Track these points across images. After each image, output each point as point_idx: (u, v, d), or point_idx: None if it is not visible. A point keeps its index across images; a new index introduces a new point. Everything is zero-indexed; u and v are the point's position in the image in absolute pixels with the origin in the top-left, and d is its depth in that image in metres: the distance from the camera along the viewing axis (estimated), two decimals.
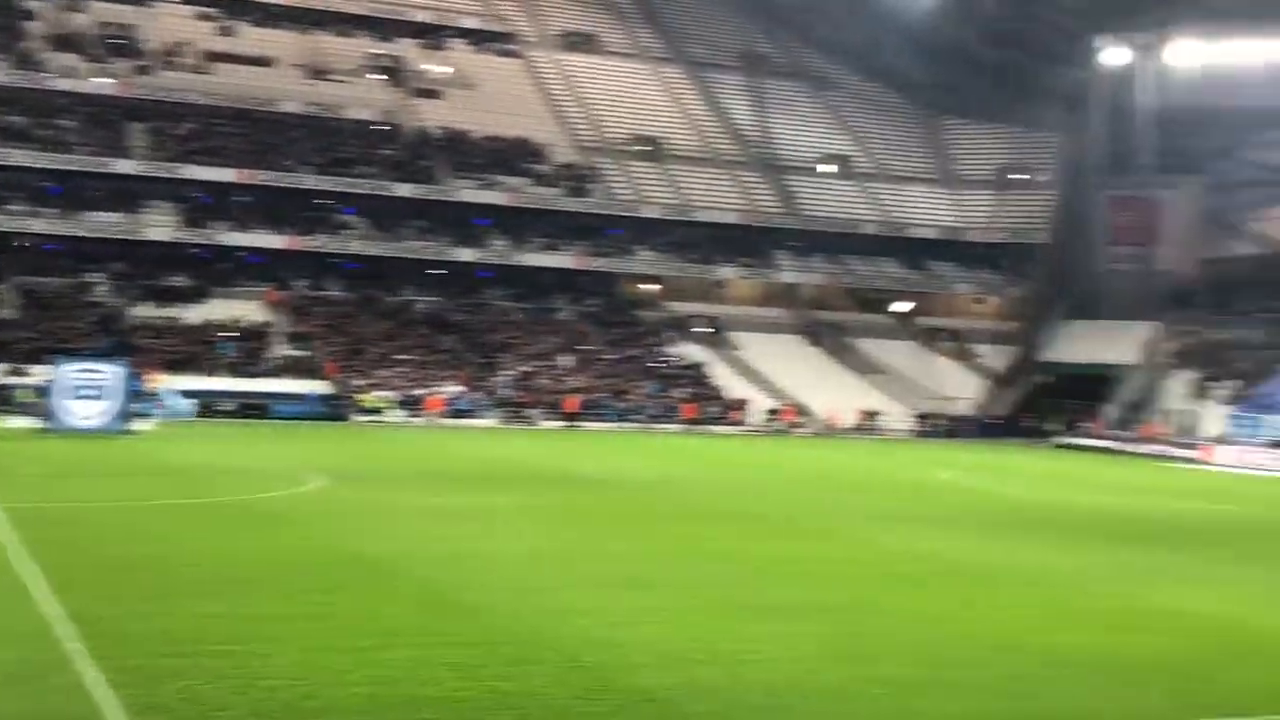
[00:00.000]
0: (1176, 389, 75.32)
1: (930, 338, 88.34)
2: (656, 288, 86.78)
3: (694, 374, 78.89)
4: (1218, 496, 44.51)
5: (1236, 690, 15.65)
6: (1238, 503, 42.40)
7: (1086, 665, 16.48)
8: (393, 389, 69.70)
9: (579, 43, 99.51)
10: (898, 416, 77.72)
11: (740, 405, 75.33)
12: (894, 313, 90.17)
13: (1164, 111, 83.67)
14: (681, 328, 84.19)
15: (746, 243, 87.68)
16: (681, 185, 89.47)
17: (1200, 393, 73.25)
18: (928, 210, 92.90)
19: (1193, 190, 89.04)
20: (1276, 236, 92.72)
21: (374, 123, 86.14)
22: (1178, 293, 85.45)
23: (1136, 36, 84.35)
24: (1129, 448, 67.74)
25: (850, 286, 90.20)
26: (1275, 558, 28.49)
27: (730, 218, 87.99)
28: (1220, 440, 64.99)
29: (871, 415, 77.04)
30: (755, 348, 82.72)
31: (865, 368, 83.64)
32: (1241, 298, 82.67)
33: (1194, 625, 19.83)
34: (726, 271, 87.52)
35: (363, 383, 69.74)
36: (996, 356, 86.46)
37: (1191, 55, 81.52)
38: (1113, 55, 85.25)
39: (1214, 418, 69.09)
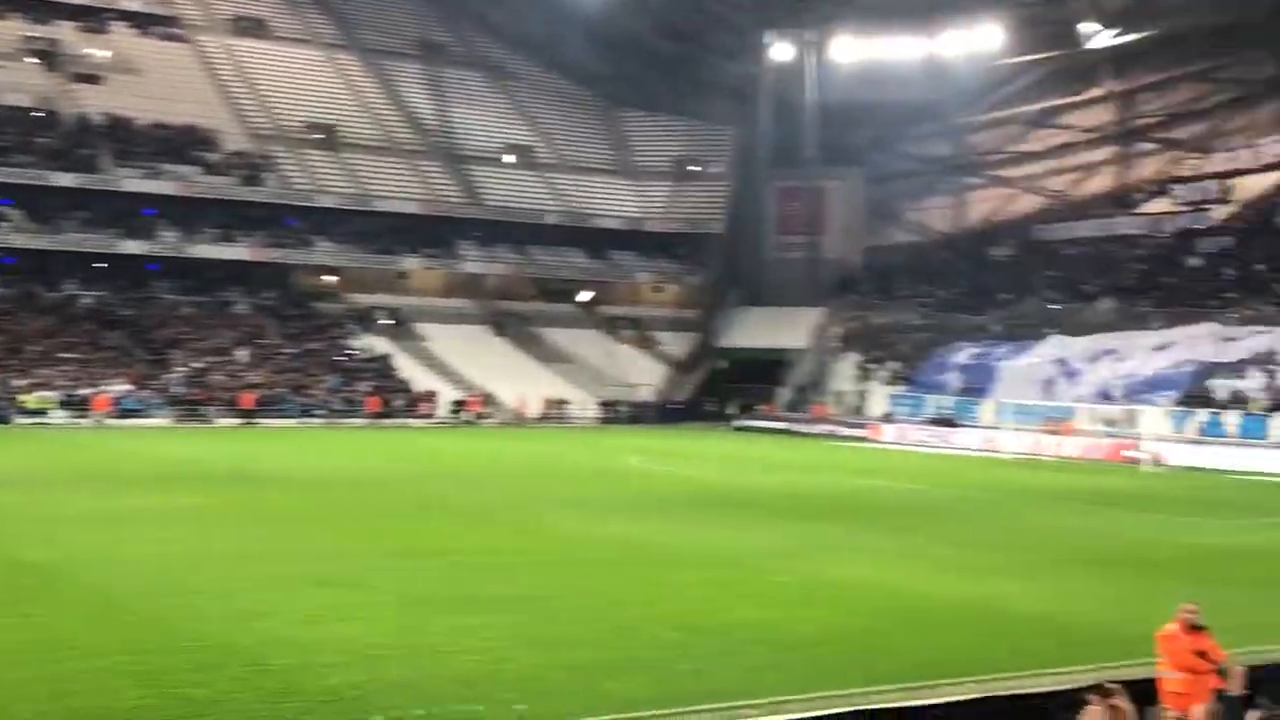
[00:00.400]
0: (844, 371, 78.91)
1: (613, 326, 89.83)
2: (336, 279, 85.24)
3: (378, 367, 77.85)
4: (882, 473, 46.90)
5: (908, 657, 16.57)
6: (900, 478, 44.77)
7: (765, 641, 17.15)
8: (56, 389, 66.23)
9: (249, 28, 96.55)
10: (583, 404, 78.74)
11: (428, 397, 74.84)
12: (578, 302, 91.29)
13: (828, 105, 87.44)
14: (364, 320, 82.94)
15: (429, 233, 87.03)
16: (360, 175, 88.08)
17: (865, 374, 76.97)
18: (609, 200, 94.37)
19: (855, 181, 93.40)
20: (931, 225, 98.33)
21: (30, 109, 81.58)
22: (843, 279, 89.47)
23: (802, 33, 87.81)
24: (802, 428, 70.70)
25: (534, 276, 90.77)
26: (936, 529, 30.22)
27: (411, 208, 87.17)
28: (885, 419, 68.54)
29: (558, 404, 77.83)
30: (441, 339, 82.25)
31: (551, 357, 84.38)
32: (900, 283, 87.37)
33: (865, 597, 20.89)
34: (409, 262, 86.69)
35: (23, 383, 66.02)
36: (677, 343, 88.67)
37: (853, 51, 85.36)
38: (780, 50, 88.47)
39: (878, 398, 72.76)
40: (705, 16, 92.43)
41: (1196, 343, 61.86)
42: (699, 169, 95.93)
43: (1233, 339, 61.25)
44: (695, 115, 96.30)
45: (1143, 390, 59.81)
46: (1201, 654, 12.45)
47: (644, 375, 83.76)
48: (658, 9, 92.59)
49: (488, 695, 13.73)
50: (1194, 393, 57.88)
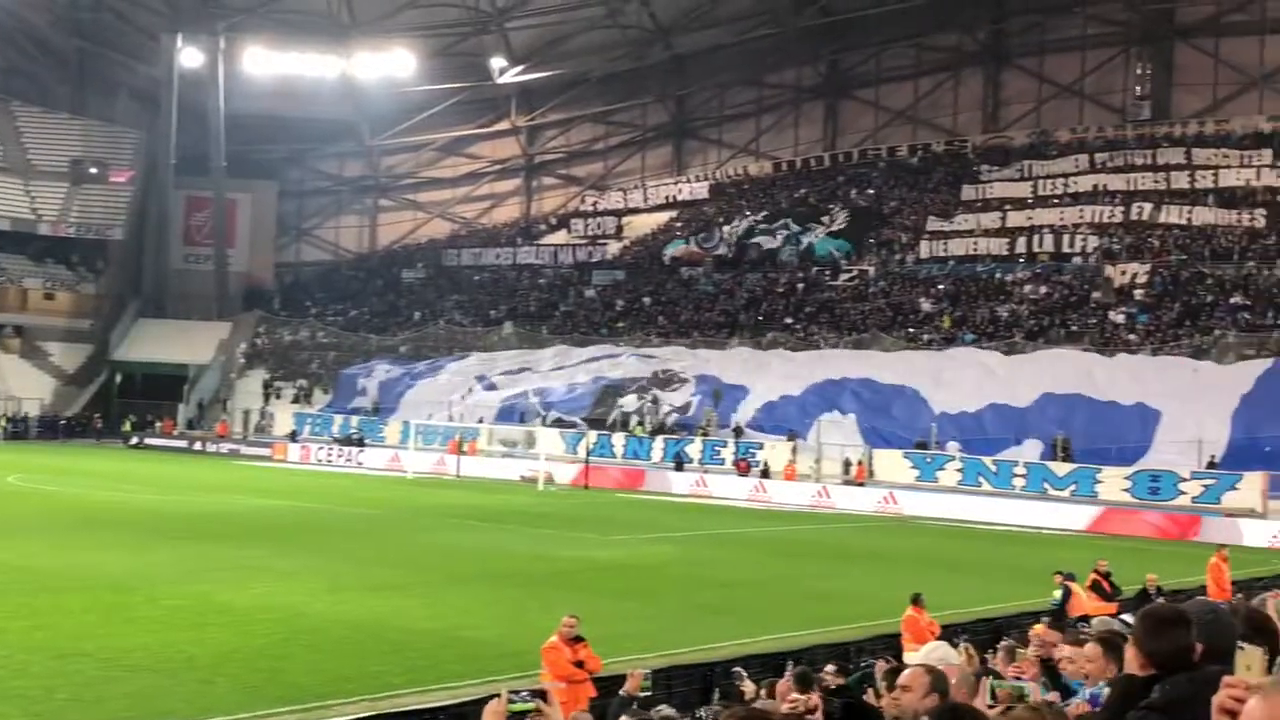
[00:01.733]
0: (249, 388, 77.27)
1: None
2: None
3: None
4: (285, 493, 46.25)
5: (306, 679, 16.49)
6: (303, 498, 44.35)
7: (155, 667, 16.52)
8: None
9: None
10: None
11: None
12: None
13: (239, 116, 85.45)
14: None
15: None
16: None
17: (272, 392, 75.74)
18: None
19: (266, 195, 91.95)
20: (344, 244, 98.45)
21: None
22: (251, 293, 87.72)
23: (213, 40, 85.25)
24: (203, 447, 68.51)
25: None
26: (338, 548, 30.22)
27: None
28: (290, 438, 67.69)
29: None
30: None
31: None
32: (311, 301, 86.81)
33: (263, 619, 20.58)
34: None
35: None
36: (68, 355, 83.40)
37: (266, 63, 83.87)
38: (189, 56, 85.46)
39: (285, 416, 71.79)
40: (111, 15, 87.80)
41: (592, 368, 65.68)
42: (100, 171, 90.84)
43: (620, 365, 65.48)
44: (98, 116, 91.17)
45: (544, 410, 62.76)
46: (579, 664, 13.25)
47: (29, 388, 78.08)
48: (59, 3, 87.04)
49: None
50: (591, 416, 61.33)
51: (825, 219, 74.67)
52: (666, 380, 62.74)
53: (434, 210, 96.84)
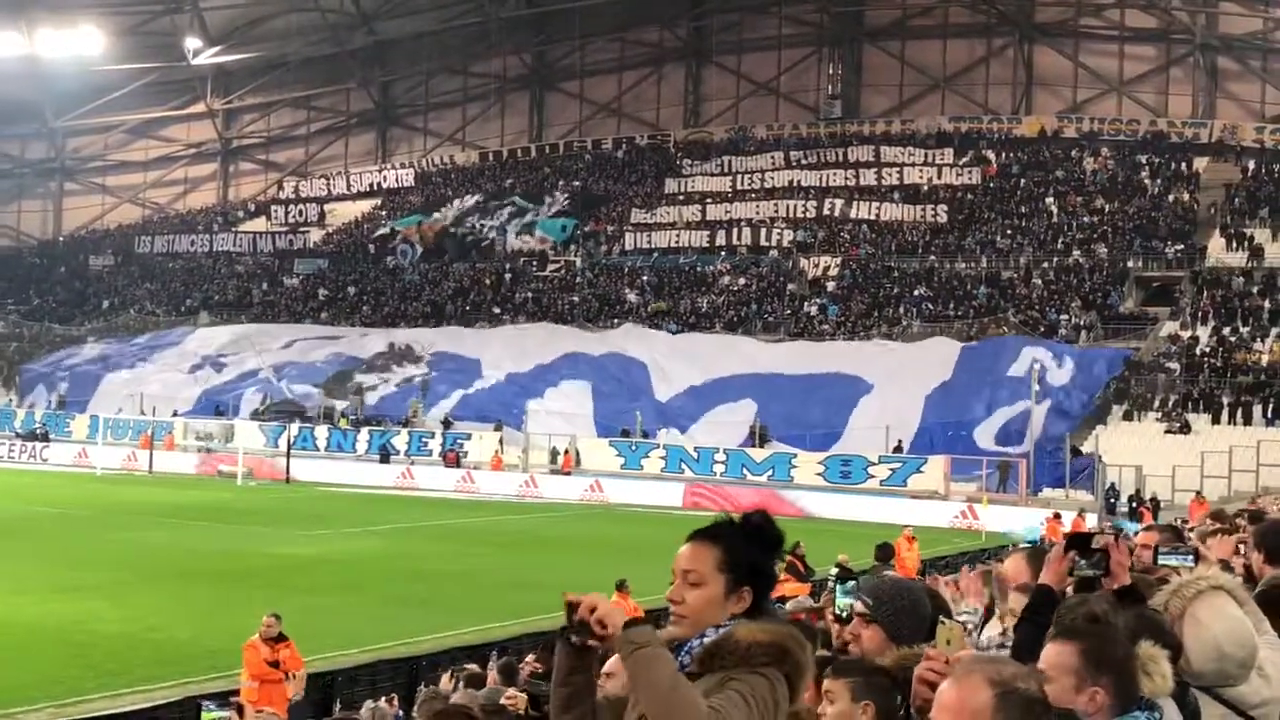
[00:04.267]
0: None
1: None
2: None
3: None
4: None
5: None
6: None
7: None
8: None
9: None
10: None
11: None
12: None
13: None
14: None
15: None
16: None
17: None
18: None
19: None
20: (26, 230, 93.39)
21: None
22: None
23: None
24: None
25: None
26: (21, 548, 28.61)
27: None
28: None
29: None
30: None
31: None
32: None
33: None
34: None
35: None
36: None
37: None
38: None
39: None
40: None
41: (328, 346, 64.66)
42: None
43: (317, 353, 64.34)
44: None
45: (278, 382, 61.51)
46: (274, 663, 12.96)
47: None
48: None
49: None
50: (283, 408, 59.94)
51: (548, 199, 75.26)
52: (404, 356, 62.24)
53: (124, 195, 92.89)
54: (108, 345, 70.74)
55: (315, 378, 62.04)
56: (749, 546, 3.59)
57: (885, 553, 15.22)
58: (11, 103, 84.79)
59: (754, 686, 3.30)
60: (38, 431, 62.08)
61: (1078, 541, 4.64)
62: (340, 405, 59.50)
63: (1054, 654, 3.64)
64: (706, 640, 3.47)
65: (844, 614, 5.01)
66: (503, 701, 6.24)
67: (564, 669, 3.55)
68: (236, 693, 12.78)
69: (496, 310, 67.16)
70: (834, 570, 6.83)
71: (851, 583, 4.99)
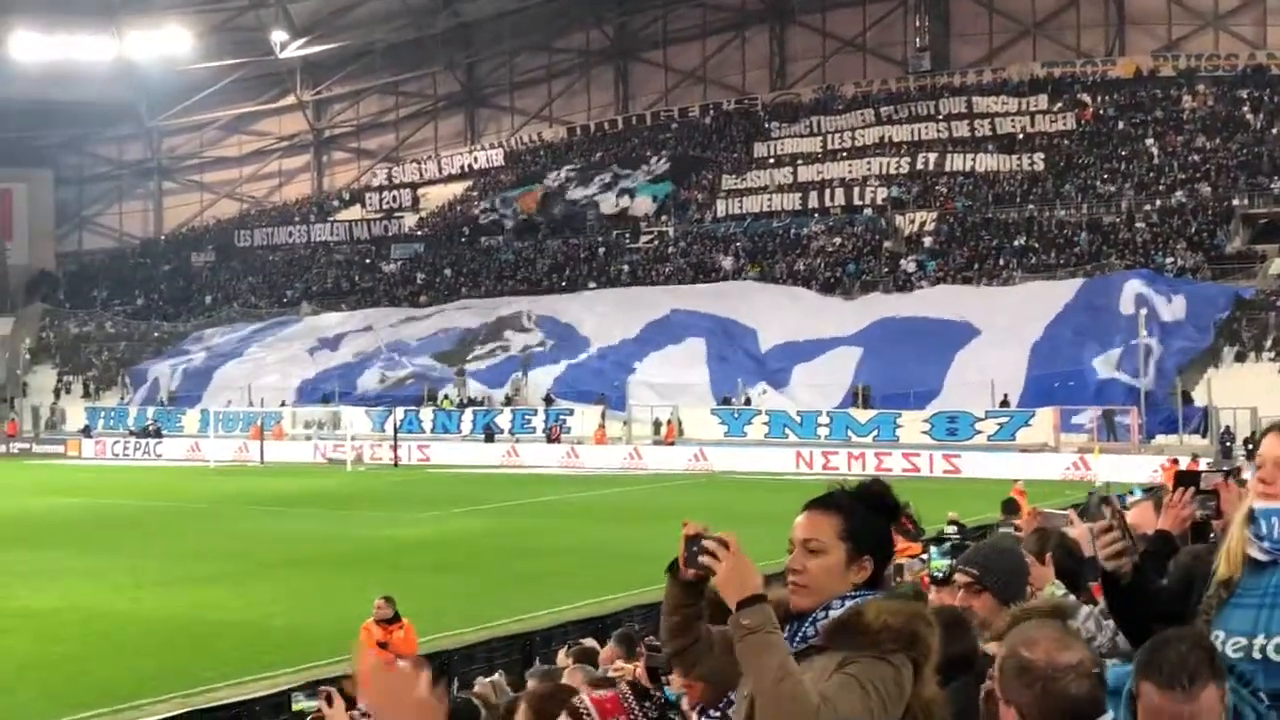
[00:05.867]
0: (39, 384, 74.20)
1: None
2: None
3: None
4: (81, 490, 44.56)
5: (113, 681, 15.96)
6: (101, 494, 42.84)
7: None
8: None
9: None
10: None
11: None
12: None
13: (9, 103, 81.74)
14: None
15: None
16: None
17: (63, 386, 72.96)
18: None
19: (43, 183, 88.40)
20: (129, 230, 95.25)
21: None
22: (32, 286, 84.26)
23: None
24: None
25: None
26: (141, 544, 29.25)
27: None
28: (84, 433, 65.23)
29: None
30: None
31: None
32: (98, 290, 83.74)
33: (64, 622, 19.84)
34: None
35: None
36: None
37: (36, 49, 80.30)
38: None
39: (77, 410, 69.15)
40: None
41: (438, 320, 65.89)
42: None
43: (426, 329, 65.25)
44: None
45: (399, 359, 62.53)
46: (383, 645, 13.03)
47: None
48: None
49: None
50: (451, 354, 61.28)
51: (644, 167, 75.37)
52: (511, 324, 62.89)
53: (221, 190, 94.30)
54: (214, 339, 72.00)
55: (431, 349, 62.92)
56: (868, 514, 3.53)
57: (1011, 507, 14.95)
58: (108, 106, 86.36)
59: (876, 672, 3.23)
60: (150, 428, 63.33)
61: (1187, 479, 4.48)
62: (450, 383, 59.92)
63: None
64: (834, 614, 3.40)
65: (940, 575, 4.91)
66: (612, 674, 6.17)
67: (674, 599, 3.65)
68: (327, 681, 12.90)
69: (592, 285, 67.24)
70: (948, 528, 6.68)
71: (948, 544, 4.89)
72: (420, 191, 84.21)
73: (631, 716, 3.11)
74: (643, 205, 72.95)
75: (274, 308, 75.63)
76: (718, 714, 4.16)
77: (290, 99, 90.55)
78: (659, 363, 56.48)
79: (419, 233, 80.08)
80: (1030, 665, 3.09)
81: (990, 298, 53.83)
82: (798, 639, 3.40)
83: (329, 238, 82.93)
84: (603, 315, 61.00)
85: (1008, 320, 50.79)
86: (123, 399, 69.46)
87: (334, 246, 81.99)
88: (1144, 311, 45.95)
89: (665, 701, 3.22)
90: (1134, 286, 49.61)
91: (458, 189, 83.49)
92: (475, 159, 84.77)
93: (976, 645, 4.47)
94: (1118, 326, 48.42)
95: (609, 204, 73.99)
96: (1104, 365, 47.35)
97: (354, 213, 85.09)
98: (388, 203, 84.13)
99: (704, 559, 3.33)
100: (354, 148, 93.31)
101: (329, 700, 3.22)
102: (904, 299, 55.82)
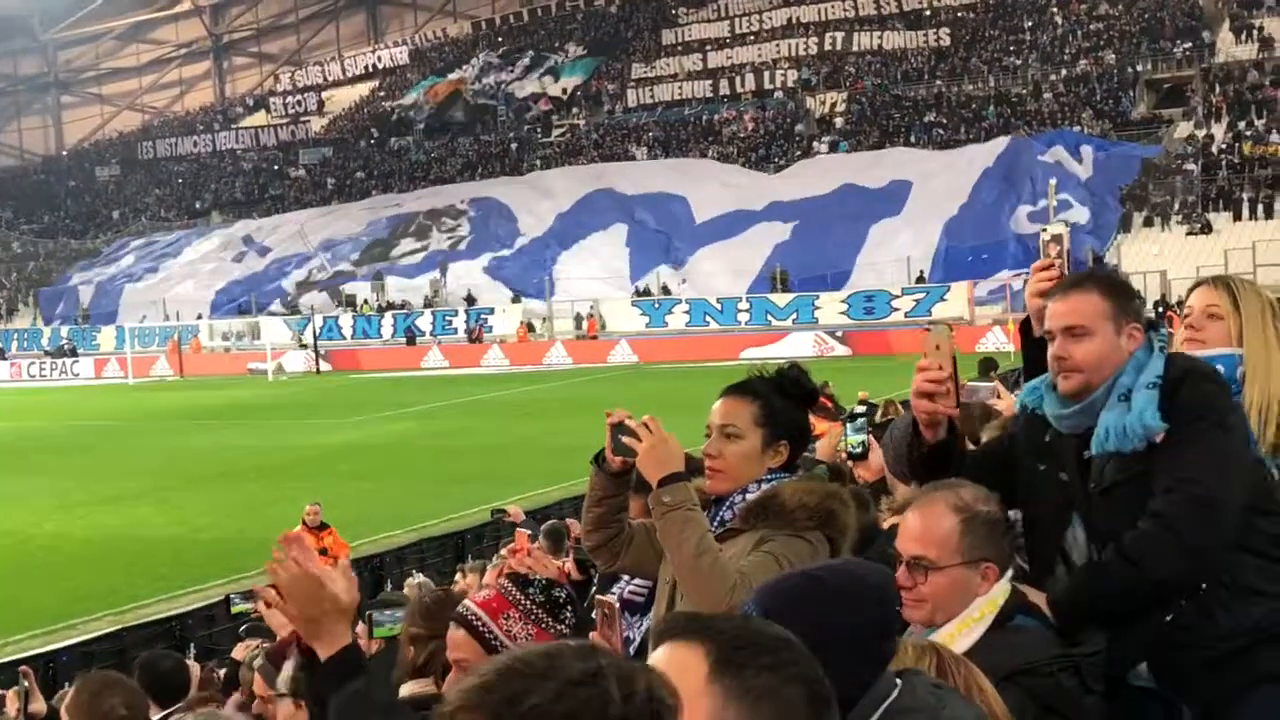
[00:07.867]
0: None
1: None
2: None
3: None
4: None
5: (45, 603, 15.94)
6: (18, 417, 42.12)
7: None
8: None
9: None
10: None
11: None
12: None
13: None
14: None
15: None
16: None
17: None
18: None
19: None
20: (29, 147, 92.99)
21: None
22: None
23: None
24: None
25: None
26: (63, 465, 28.98)
27: None
28: None
29: None
30: None
31: None
32: (2, 209, 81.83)
33: None
34: None
35: None
36: None
37: None
38: None
39: None
40: None
41: (363, 215, 65.48)
42: None
43: (352, 225, 64.72)
44: None
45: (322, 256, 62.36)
46: (323, 551, 13.18)
47: None
48: None
49: None
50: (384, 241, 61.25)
51: (560, 54, 74.79)
52: (445, 212, 62.30)
53: (121, 103, 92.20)
54: (124, 255, 70.78)
55: (356, 250, 62.39)
56: (785, 400, 3.59)
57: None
58: None
59: (793, 549, 3.32)
60: (65, 347, 62.41)
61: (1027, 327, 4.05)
62: (367, 286, 59.48)
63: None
64: (750, 496, 3.48)
65: (856, 450, 5.03)
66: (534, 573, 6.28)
67: (598, 491, 3.65)
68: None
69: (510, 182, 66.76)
70: (858, 407, 6.81)
71: (861, 420, 4.99)
72: (326, 94, 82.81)
73: (521, 608, 3.20)
74: (568, 84, 72.56)
75: (184, 219, 74.43)
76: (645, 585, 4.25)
77: (186, 4, 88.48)
78: (580, 254, 56.41)
79: (327, 136, 78.87)
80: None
81: (902, 169, 53.94)
82: (716, 523, 3.46)
83: (235, 145, 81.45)
84: (531, 197, 60.80)
85: (922, 195, 51.17)
86: (36, 319, 68.29)
87: (241, 155, 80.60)
88: (1054, 181, 46.48)
89: (546, 582, 3.32)
90: (1052, 151, 50.43)
91: (364, 90, 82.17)
92: (380, 59, 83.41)
93: (875, 520, 4.61)
94: (1032, 191, 49.05)
95: (532, 87, 73.39)
96: (1021, 225, 48.16)
97: (259, 119, 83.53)
98: (293, 107, 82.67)
99: (627, 439, 3.40)
100: (255, 52, 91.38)
101: (266, 603, 3.32)
102: (819, 178, 55.83)
